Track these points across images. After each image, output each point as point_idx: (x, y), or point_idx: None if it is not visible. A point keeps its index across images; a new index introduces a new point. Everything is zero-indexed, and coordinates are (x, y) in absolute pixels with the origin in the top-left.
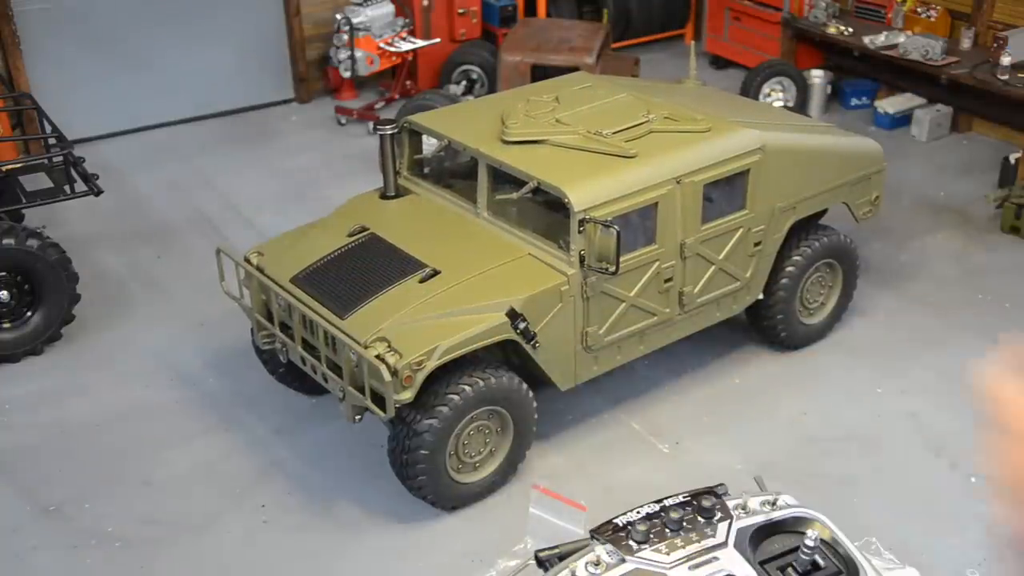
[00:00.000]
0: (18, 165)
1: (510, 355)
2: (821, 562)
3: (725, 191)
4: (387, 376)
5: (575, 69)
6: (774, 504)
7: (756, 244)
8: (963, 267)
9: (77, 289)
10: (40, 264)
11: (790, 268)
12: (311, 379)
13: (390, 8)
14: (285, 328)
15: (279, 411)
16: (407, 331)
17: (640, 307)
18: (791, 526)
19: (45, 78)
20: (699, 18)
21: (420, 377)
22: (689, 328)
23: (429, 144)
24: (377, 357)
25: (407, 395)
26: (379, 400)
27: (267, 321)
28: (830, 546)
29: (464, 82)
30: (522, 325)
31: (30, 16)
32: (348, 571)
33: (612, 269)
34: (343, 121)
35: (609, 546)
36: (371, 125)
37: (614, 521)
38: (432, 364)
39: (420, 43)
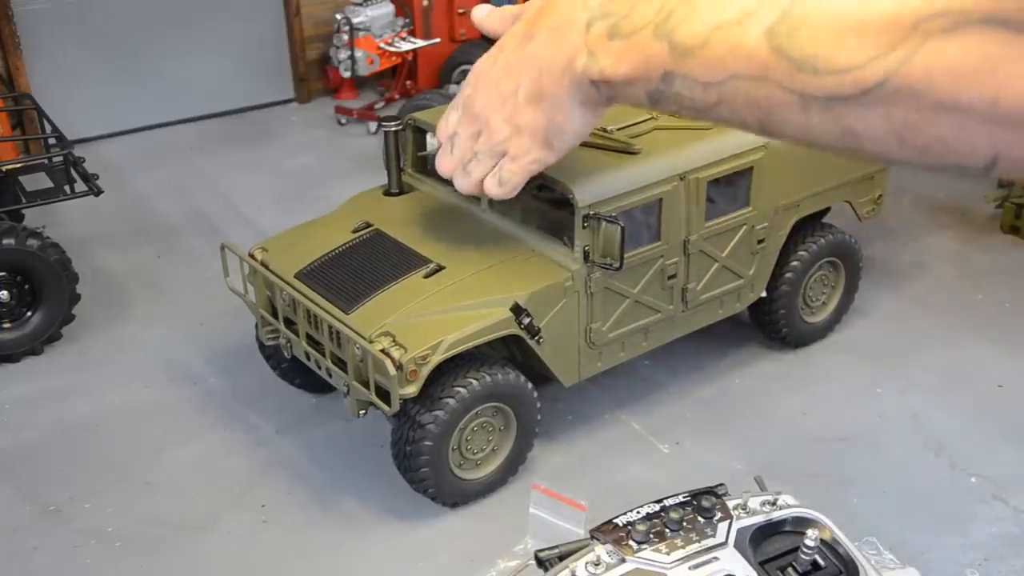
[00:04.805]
0: (18, 165)
1: (513, 351)
2: (821, 562)
3: (729, 188)
4: (391, 370)
5: None
6: (774, 504)
7: (759, 241)
8: (963, 267)
9: (77, 289)
10: (40, 264)
11: (794, 264)
12: (314, 376)
13: (390, 8)
14: (289, 323)
15: (280, 410)
16: (412, 326)
17: (644, 303)
18: (791, 526)
19: (45, 78)
20: None
21: (425, 371)
22: (692, 325)
23: (432, 141)
24: (382, 351)
25: (412, 389)
26: (384, 395)
27: (271, 316)
28: (830, 546)
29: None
30: (526, 320)
31: (30, 16)
32: (348, 570)
33: (616, 265)
34: (343, 121)
35: (609, 546)
36: (372, 125)
37: (614, 521)
38: (437, 358)
39: (420, 43)
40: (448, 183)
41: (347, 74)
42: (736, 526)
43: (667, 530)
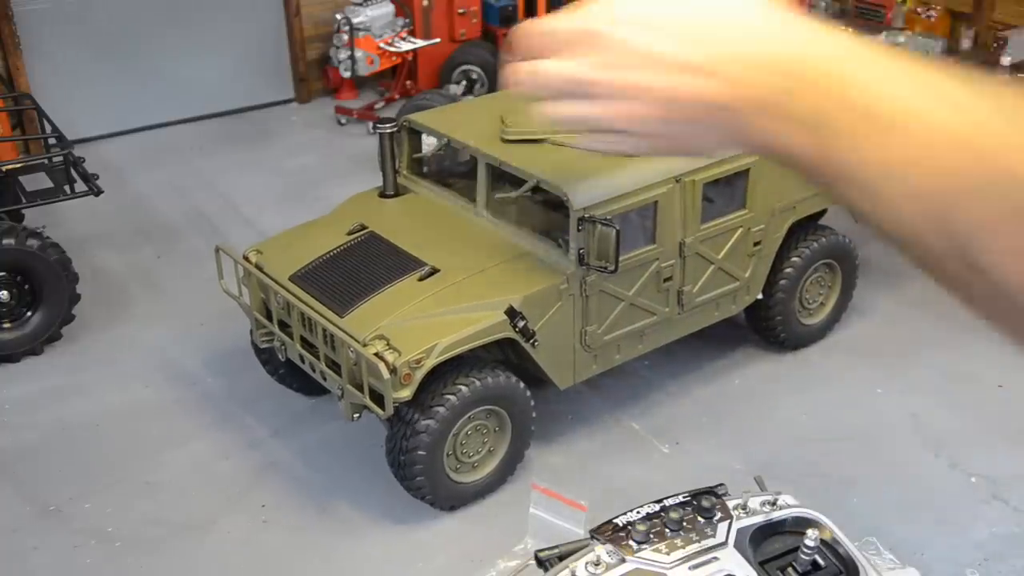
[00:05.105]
0: (18, 165)
1: (508, 354)
2: (821, 562)
3: (725, 190)
4: (385, 374)
5: None
6: (774, 504)
7: (755, 244)
8: None
9: (77, 289)
10: (40, 264)
11: (789, 268)
12: (310, 379)
13: (390, 8)
14: (284, 326)
15: (278, 411)
16: (406, 329)
17: (639, 306)
18: (791, 526)
19: (45, 78)
20: None
21: (419, 375)
22: (688, 327)
23: (428, 143)
24: (376, 355)
25: (406, 393)
26: (378, 398)
27: (266, 319)
28: (830, 546)
29: (464, 82)
30: (521, 323)
31: (30, 16)
32: (347, 572)
33: (611, 268)
34: (343, 121)
35: (609, 546)
36: (371, 125)
37: (614, 521)
38: (431, 362)
39: (420, 43)
40: (445, 185)
41: (347, 74)
42: (736, 526)
43: (667, 530)
